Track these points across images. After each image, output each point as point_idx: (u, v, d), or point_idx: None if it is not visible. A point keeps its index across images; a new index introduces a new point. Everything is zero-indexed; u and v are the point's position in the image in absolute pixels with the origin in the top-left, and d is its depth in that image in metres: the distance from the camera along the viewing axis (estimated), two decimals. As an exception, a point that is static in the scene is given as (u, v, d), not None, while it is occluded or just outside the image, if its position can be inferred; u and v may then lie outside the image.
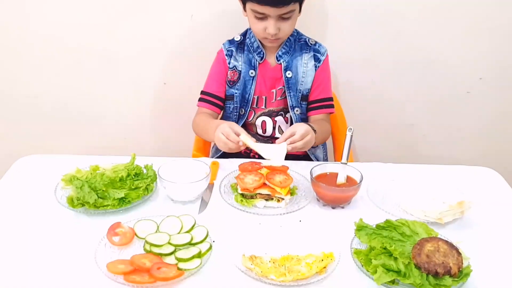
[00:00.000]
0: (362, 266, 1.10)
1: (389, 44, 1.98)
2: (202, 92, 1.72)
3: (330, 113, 1.73)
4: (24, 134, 2.17)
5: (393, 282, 1.05)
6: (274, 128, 1.74)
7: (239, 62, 1.67)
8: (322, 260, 1.10)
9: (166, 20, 1.93)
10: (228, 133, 1.40)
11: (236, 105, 1.70)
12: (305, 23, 1.70)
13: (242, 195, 1.35)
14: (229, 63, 1.68)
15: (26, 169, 1.50)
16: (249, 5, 1.52)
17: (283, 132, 1.73)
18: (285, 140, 1.40)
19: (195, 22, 1.94)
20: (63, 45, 1.97)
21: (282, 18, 1.50)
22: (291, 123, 1.73)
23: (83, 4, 1.89)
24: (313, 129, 1.48)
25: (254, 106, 1.71)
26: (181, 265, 1.08)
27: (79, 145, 2.18)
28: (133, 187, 1.34)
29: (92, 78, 2.06)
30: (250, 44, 1.66)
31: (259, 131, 1.75)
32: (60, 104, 2.11)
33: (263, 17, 1.50)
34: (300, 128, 1.42)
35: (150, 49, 2.00)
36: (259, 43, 1.64)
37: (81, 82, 2.06)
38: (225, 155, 1.67)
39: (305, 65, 1.67)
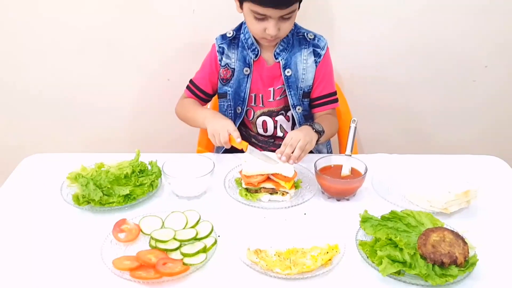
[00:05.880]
0: (368, 257, 1.10)
1: (393, 33, 1.97)
2: (191, 81, 1.69)
3: (335, 107, 1.71)
4: (29, 128, 2.19)
5: (398, 273, 1.05)
6: (275, 127, 1.71)
7: (232, 59, 1.63)
8: (327, 252, 1.10)
9: (168, 16, 1.93)
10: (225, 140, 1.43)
11: (229, 103, 1.67)
12: (305, 11, 1.65)
13: (247, 189, 1.35)
14: (220, 60, 1.63)
15: (32, 167, 1.51)
16: (248, 5, 1.44)
17: (285, 130, 1.72)
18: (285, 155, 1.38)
19: (198, 17, 1.93)
20: (67, 40, 1.98)
21: (282, 18, 1.45)
22: (293, 122, 1.70)
23: (87, 2, 1.89)
24: (317, 130, 1.47)
25: (252, 104, 1.67)
26: (187, 260, 1.09)
27: (82, 141, 2.20)
28: (138, 184, 1.35)
29: (96, 74, 2.06)
30: (245, 41, 1.60)
31: (260, 130, 1.72)
32: (64, 100, 2.11)
33: (263, 18, 1.45)
34: (294, 137, 1.40)
35: (153, 45, 2.00)
36: (254, 40, 1.59)
37: (85, 78, 2.07)
38: (229, 150, 1.66)
39: (304, 62, 1.61)
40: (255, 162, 1.38)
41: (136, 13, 1.92)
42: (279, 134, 1.72)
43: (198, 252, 1.10)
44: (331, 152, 1.85)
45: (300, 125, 1.68)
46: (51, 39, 1.98)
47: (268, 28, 1.46)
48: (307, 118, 1.70)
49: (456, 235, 1.10)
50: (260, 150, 1.56)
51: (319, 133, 1.49)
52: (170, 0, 1.90)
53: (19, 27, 1.95)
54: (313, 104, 1.68)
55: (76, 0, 1.90)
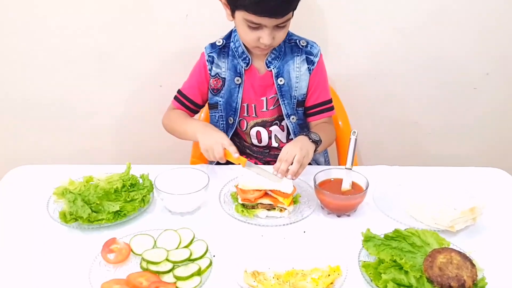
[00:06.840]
0: (371, 280, 1.05)
1: (393, 40, 1.92)
2: (179, 92, 1.63)
3: (331, 115, 1.66)
4: (15, 137, 2.13)
5: (404, 297, 1.00)
6: (270, 137, 1.65)
7: (222, 68, 1.56)
8: (329, 275, 1.05)
9: (161, 21, 1.87)
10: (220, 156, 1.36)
11: (221, 114, 1.61)
12: (303, 20, 1.61)
13: (243, 205, 1.29)
14: (210, 70, 1.57)
15: (18, 180, 1.44)
16: (241, 14, 1.38)
17: (280, 140, 1.66)
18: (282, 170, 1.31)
19: (191, 22, 1.87)
20: (58, 47, 1.92)
21: (277, 27, 1.40)
22: (288, 131, 1.64)
23: (78, 6, 1.83)
24: (313, 140, 1.40)
25: (245, 114, 1.61)
26: (180, 284, 1.03)
27: (70, 148, 2.14)
28: (128, 199, 1.28)
29: (87, 80, 2.00)
30: (235, 49, 1.54)
31: (254, 141, 1.67)
32: (54, 107, 2.05)
33: (257, 27, 1.39)
34: (290, 152, 1.32)
35: (145, 51, 1.94)
36: (244, 48, 1.53)
37: (76, 85, 2.01)
38: (224, 162, 1.61)
39: (297, 69, 1.56)
40: (253, 176, 1.32)
41: (128, 18, 1.87)
42: (274, 144, 1.67)
43: (192, 275, 1.04)
44: (328, 162, 1.80)
45: (295, 135, 1.62)
46: (38, 47, 1.92)
47: (262, 37, 1.40)
48: (302, 128, 1.65)
49: (464, 256, 1.05)
50: (257, 162, 1.50)
51: (316, 143, 1.42)
52: (163, 4, 1.84)
53: (11, 36, 1.89)
54: (309, 112, 1.63)
55: (69, 8, 1.84)
